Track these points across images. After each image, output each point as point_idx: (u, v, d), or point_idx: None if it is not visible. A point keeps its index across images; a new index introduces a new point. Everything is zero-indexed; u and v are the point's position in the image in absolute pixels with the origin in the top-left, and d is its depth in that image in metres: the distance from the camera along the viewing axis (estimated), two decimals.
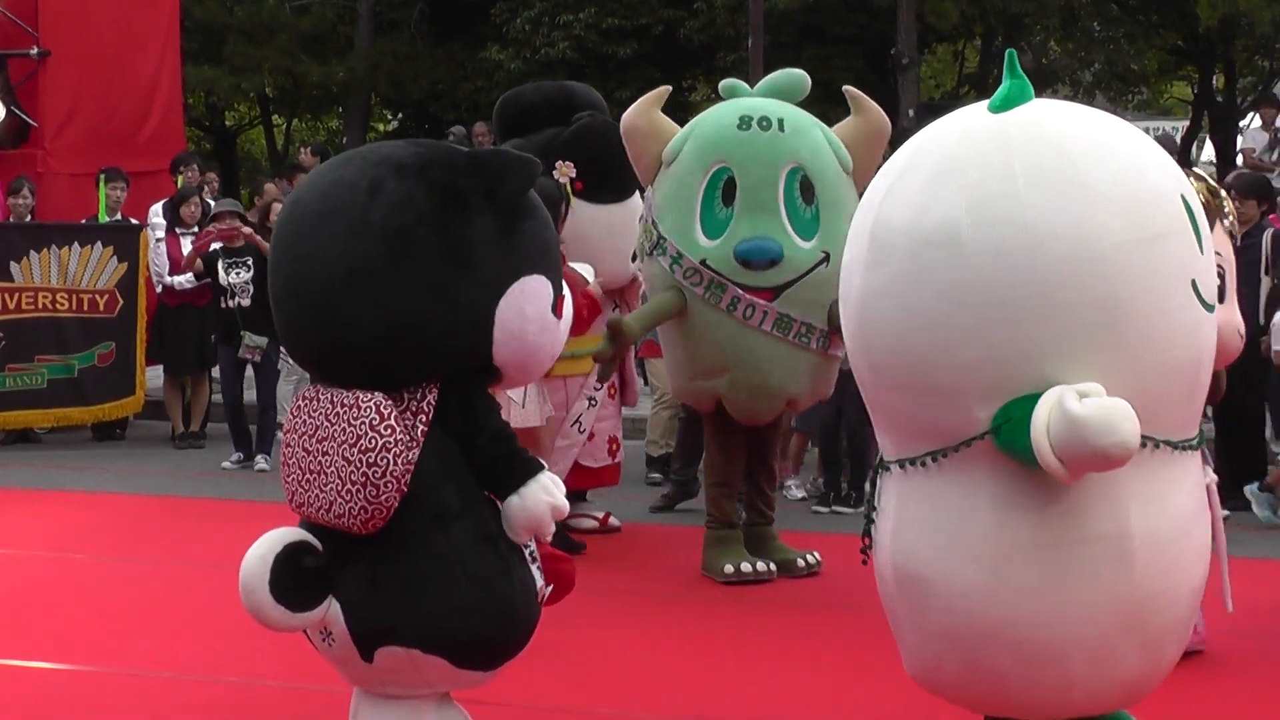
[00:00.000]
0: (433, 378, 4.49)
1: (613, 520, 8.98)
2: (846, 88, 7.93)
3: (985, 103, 4.29)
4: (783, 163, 7.35)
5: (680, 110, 7.68)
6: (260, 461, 11.43)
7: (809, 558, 7.87)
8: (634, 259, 8.29)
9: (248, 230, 11.48)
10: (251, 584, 4.47)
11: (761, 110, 7.45)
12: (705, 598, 7.48)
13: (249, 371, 11.71)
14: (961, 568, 4.10)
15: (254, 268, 11.18)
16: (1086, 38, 28.65)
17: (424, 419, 4.45)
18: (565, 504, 4.50)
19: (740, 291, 7.28)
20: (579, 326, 7.34)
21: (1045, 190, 3.97)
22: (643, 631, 6.87)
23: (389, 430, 4.35)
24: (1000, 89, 4.25)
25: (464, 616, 4.46)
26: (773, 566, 7.71)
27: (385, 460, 4.32)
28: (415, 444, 4.41)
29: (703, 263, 7.30)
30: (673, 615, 7.18)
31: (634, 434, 11.60)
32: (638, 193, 8.24)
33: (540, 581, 4.60)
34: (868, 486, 4.53)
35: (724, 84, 7.86)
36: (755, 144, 7.37)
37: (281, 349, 12.48)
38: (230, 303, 11.32)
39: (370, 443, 4.34)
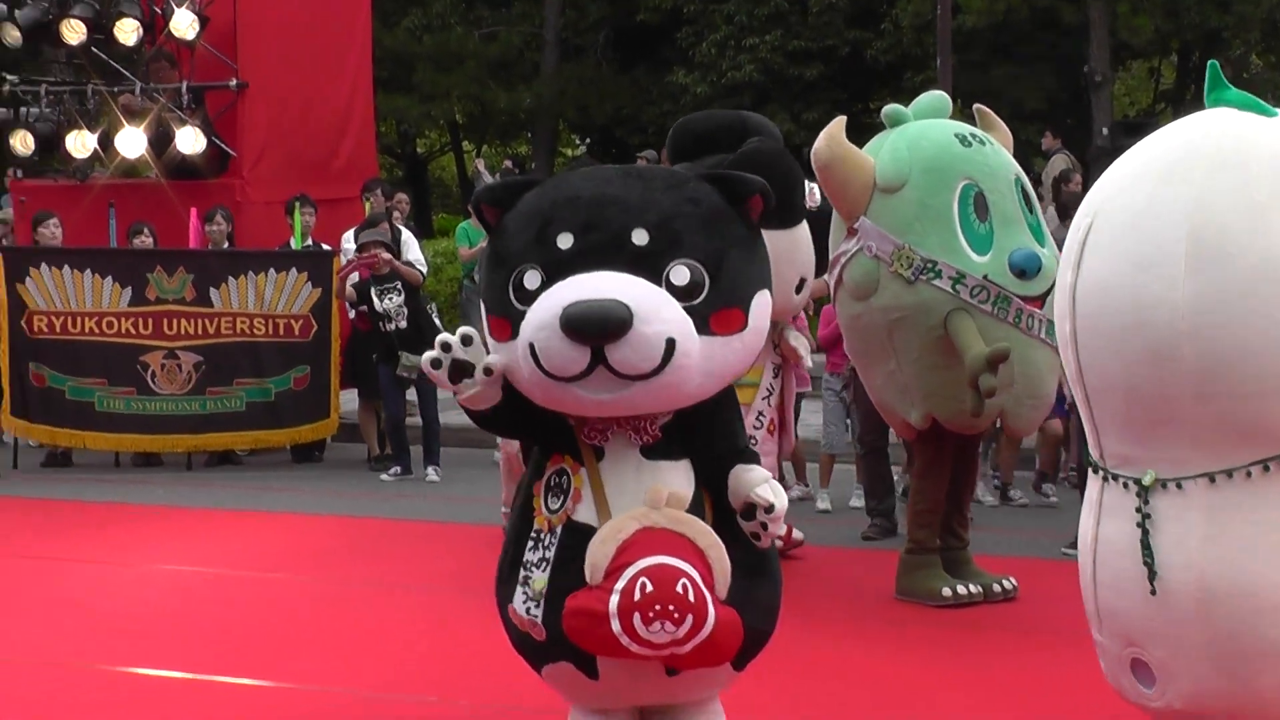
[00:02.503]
0: None
1: (796, 534, 8.87)
2: (976, 106, 8.07)
3: (1229, 111, 4.31)
4: (1011, 176, 7.55)
5: (867, 133, 7.57)
6: (430, 473, 11.94)
7: (1005, 583, 7.77)
8: (798, 289, 8.21)
9: (387, 257, 11.86)
10: None
11: (966, 129, 7.59)
12: (906, 621, 7.44)
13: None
14: None
15: (403, 291, 11.79)
16: None
17: None
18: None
19: (1021, 302, 7.28)
20: None
21: None
22: (848, 651, 6.84)
23: None
24: (1238, 96, 4.32)
25: None
26: (977, 590, 7.67)
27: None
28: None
29: (985, 278, 7.25)
30: (877, 637, 7.15)
31: None
32: (805, 222, 8.18)
33: (518, 604, 4.53)
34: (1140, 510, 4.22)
35: (888, 110, 7.73)
36: (988, 159, 7.49)
37: None
38: (388, 326, 11.79)
39: None
